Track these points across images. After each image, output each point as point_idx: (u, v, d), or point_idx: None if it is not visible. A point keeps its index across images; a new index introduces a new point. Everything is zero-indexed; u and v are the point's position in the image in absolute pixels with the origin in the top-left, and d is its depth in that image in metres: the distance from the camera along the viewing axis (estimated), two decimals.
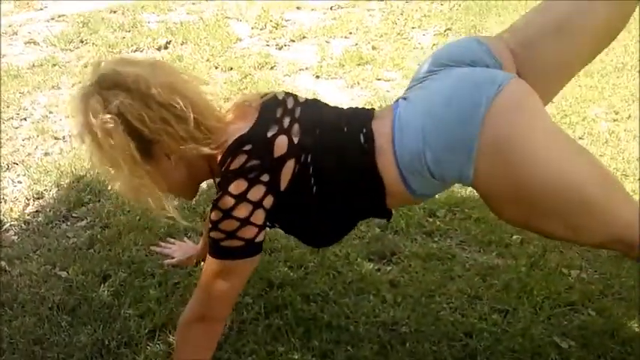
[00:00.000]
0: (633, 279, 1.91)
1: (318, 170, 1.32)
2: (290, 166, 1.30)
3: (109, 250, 2.03)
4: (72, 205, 2.27)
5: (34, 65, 3.51)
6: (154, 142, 1.28)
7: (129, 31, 4.04)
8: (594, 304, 1.84)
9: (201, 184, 1.51)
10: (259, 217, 1.29)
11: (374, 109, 1.46)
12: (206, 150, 1.29)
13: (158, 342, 1.68)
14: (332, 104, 1.52)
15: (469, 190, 2.32)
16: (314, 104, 1.46)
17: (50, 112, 2.98)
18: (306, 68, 3.58)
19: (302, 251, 2.03)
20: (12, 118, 2.92)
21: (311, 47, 3.87)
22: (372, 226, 2.18)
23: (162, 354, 1.64)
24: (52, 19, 4.27)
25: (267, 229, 1.46)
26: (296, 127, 1.34)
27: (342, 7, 4.49)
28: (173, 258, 1.98)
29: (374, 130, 1.34)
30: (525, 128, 1.26)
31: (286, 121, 1.35)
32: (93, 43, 3.84)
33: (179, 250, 2.01)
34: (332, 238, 1.47)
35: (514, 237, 2.11)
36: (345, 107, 1.49)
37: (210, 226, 1.31)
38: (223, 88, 3.25)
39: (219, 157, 1.31)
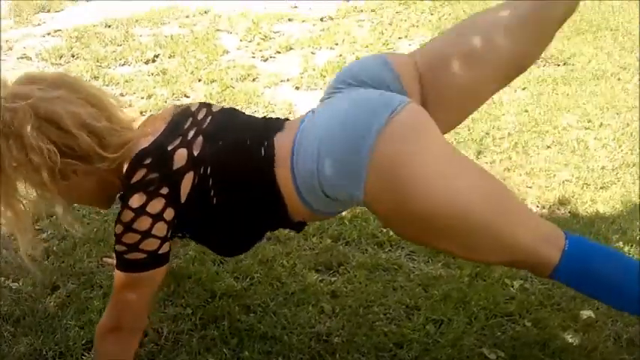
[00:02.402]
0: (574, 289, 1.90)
1: (217, 182, 1.35)
2: (189, 178, 1.33)
3: (62, 261, 2.09)
4: (36, 218, 2.34)
5: None
6: None
7: (120, 45, 4.13)
8: (532, 315, 1.83)
9: None
10: (161, 229, 1.32)
11: (287, 119, 1.49)
12: (102, 167, 1.33)
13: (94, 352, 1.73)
14: (250, 114, 1.55)
15: None
16: (227, 114, 1.49)
17: None
18: (288, 80, 3.62)
19: (250, 262, 2.06)
20: None
21: (296, 59, 3.91)
22: (325, 238, 2.21)
23: None
24: (48, 34, 4.39)
25: (180, 239, 1.51)
26: (199, 139, 1.37)
27: (332, 19, 4.53)
28: None
29: (276, 143, 1.37)
30: (414, 156, 1.27)
31: (191, 133, 1.38)
32: (83, 58, 3.94)
33: None
34: (239, 248, 1.50)
35: None
36: (262, 117, 1.53)
37: (114, 239, 1.35)
38: (201, 102, 3.31)
39: (124, 171, 1.35)
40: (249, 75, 3.65)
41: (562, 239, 1.33)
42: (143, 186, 1.31)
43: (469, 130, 2.90)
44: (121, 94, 3.43)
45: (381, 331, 1.79)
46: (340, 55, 3.92)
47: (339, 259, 2.09)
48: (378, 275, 2.02)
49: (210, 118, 1.44)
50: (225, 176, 1.35)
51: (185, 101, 3.37)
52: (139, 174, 1.32)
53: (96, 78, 3.64)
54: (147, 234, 1.32)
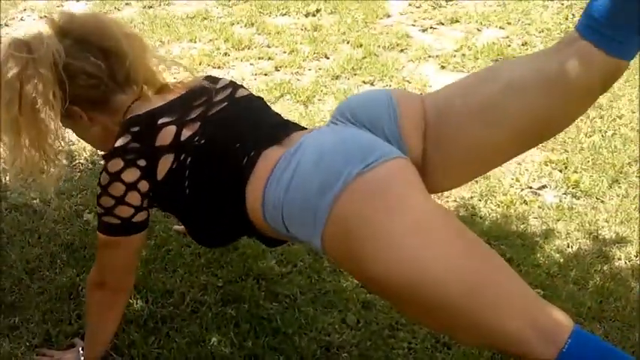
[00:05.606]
0: None
1: (193, 175, 1.29)
2: (168, 159, 1.30)
3: None
4: None
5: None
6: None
7: None
8: None
9: None
10: (134, 198, 1.31)
11: (297, 129, 1.36)
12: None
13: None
14: (277, 111, 1.45)
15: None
16: (246, 106, 1.40)
17: None
18: (437, 56, 3.38)
19: (300, 248, 1.99)
20: None
21: (457, 33, 3.63)
22: None
23: None
24: None
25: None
26: (197, 124, 1.32)
27: None
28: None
29: (263, 156, 1.25)
30: (379, 218, 1.11)
31: (193, 114, 1.33)
32: (251, 1, 4.02)
33: None
34: (213, 242, 1.44)
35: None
36: (284, 119, 1.42)
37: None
38: (337, 66, 3.22)
39: None
40: (398, 45, 3.47)
41: (563, 336, 1.08)
42: (123, 153, 1.31)
43: (612, 151, 2.48)
44: (267, 46, 3.46)
45: None
46: (507, 37, 3.56)
47: None
48: None
49: (225, 104, 1.38)
50: (201, 172, 1.30)
51: (323, 63, 3.30)
52: (123, 139, 1.32)
53: (252, 24, 3.71)
54: (120, 201, 1.31)
